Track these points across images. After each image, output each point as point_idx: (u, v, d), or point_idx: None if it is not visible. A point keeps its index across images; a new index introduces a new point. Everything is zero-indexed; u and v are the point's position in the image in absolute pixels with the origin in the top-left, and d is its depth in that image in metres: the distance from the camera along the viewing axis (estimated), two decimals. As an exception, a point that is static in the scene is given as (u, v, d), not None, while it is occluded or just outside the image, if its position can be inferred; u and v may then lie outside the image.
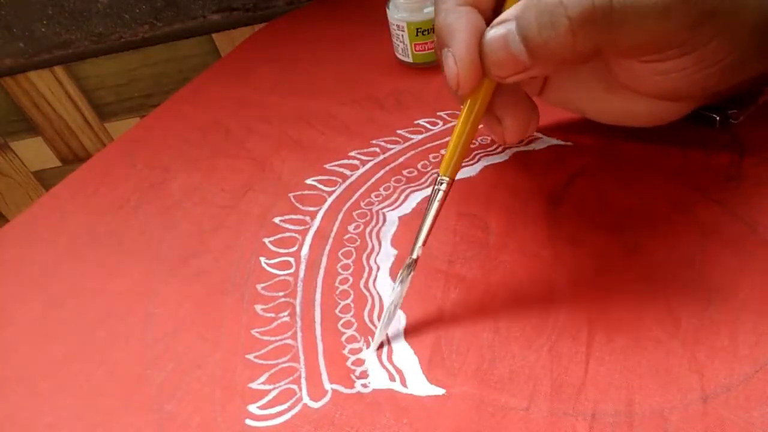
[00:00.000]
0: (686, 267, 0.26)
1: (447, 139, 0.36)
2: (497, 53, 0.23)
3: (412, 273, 0.25)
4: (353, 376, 0.25)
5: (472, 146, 0.35)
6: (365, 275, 0.29)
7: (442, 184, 0.25)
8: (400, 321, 0.26)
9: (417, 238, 0.25)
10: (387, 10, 0.41)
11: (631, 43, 0.22)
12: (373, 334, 0.26)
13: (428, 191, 0.32)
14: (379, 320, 0.26)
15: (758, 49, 0.24)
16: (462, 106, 0.26)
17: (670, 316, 0.24)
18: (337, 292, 0.28)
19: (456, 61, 0.24)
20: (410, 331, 0.26)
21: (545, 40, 0.22)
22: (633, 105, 0.28)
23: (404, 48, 0.41)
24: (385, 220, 0.31)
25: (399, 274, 0.25)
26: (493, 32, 0.23)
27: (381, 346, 0.25)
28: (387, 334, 0.26)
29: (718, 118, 0.32)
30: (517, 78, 0.24)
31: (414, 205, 0.32)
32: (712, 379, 0.22)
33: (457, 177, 0.33)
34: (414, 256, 0.25)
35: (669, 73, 0.24)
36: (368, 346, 0.26)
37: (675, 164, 0.31)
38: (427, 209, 0.26)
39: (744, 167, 0.30)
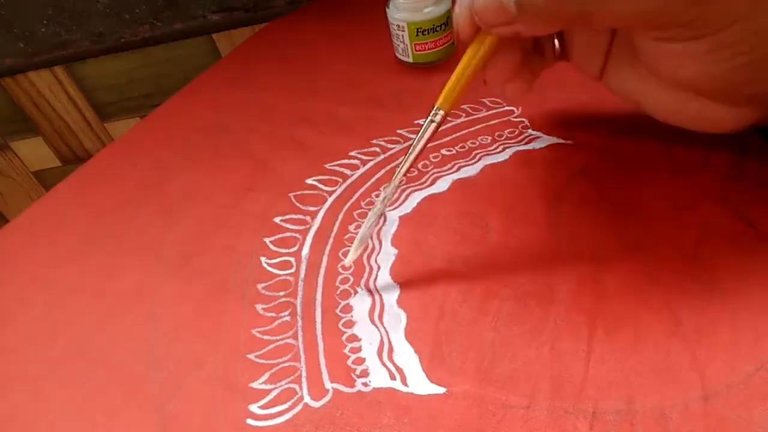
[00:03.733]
0: (687, 265, 0.26)
1: (447, 138, 0.36)
2: (486, 0, 0.23)
3: (391, 194, 0.26)
4: (354, 375, 0.25)
5: (472, 146, 0.35)
6: (366, 275, 0.29)
7: (436, 115, 0.26)
8: (401, 320, 0.26)
9: (402, 165, 0.26)
10: (387, 10, 0.41)
11: (624, 10, 0.21)
12: (373, 334, 0.26)
13: (429, 191, 0.32)
14: (380, 320, 0.26)
15: None
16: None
17: (671, 314, 0.24)
18: (338, 292, 0.28)
19: (459, 5, 0.24)
20: (411, 330, 0.26)
21: None
22: (684, 105, 0.27)
23: (404, 48, 0.41)
24: (385, 219, 0.31)
25: (382, 191, 0.26)
26: None
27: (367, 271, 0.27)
28: (386, 331, 0.26)
29: None
30: (504, 30, 0.24)
31: (415, 204, 0.32)
32: (712, 378, 0.22)
33: (458, 177, 0.33)
34: (396, 181, 0.26)
35: (684, 57, 0.23)
36: (370, 345, 0.26)
37: (676, 163, 0.31)
38: (418, 138, 0.26)
39: (745, 166, 0.30)
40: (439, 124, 0.26)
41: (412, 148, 0.26)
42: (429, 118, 0.26)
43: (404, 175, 0.27)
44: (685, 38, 0.22)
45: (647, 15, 0.22)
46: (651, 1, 0.21)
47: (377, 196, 0.33)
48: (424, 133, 0.26)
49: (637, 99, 0.29)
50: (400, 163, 0.27)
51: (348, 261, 0.27)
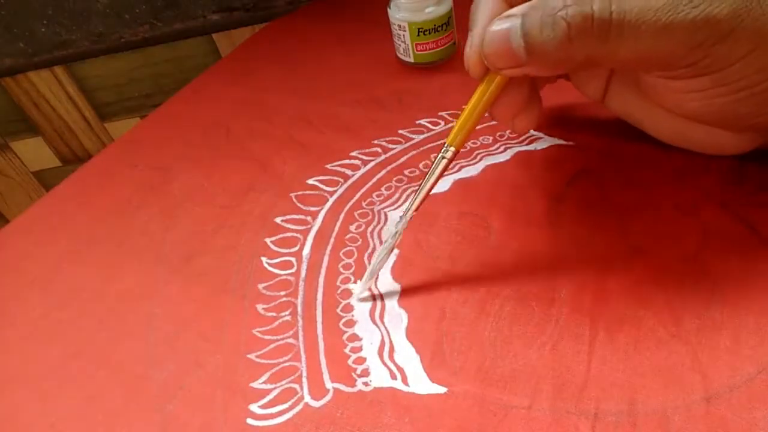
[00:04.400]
0: (688, 267, 0.26)
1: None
2: (496, 45, 0.24)
3: (402, 230, 0.27)
4: (354, 375, 0.25)
5: (473, 146, 0.35)
6: (367, 275, 0.29)
7: (447, 152, 0.27)
8: (402, 320, 0.26)
9: (413, 200, 0.27)
10: (388, 10, 0.41)
11: (629, 56, 0.22)
12: (374, 334, 0.26)
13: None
14: (381, 320, 0.26)
15: None
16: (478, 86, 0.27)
17: (673, 316, 0.24)
18: (339, 292, 0.28)
19: (470, 45, 0.25)
20: (412, 330, 0.26)
21: (544, 40, 0.22)
22: (688, 128, 0.27)
23: (406, 48, 0.41)
24: (386, 219, 0.31)
25: (395, 225, 0.27)
26: (497, 25, 0.24)
27: (373, 299, 0.27)
28: (387, 330, 0.26)
29: None
30: (513, 72, 0.24)
31: (415, 204, 0.32)
32: (714, 380, 0.22)
33: (459, 177, 0.33)
34: (407, 218, 0.27)
35: (687, 92, 0.24)
36: (371, 345, 0.26)
37: (677, 165, 0.31)
38: (429, 174, 0.27)
39: (745, 169, 0.30)
40: (450, 161, 0.27)
41: (423, 182, 0.27)
42: (440, 155, 0.27)
43: (416, 210, 0.27)
44: (689, 76, 0.23)
45: (652, 60, 0.22)
46: (655, 48, 0.22)
47: (377, 194, 0.33)
48: (435, 169, 0.27)
49: (641, 122, 0.30)
50: (412, 197, 0.27)
51: (357, 296, 0.28)
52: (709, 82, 0.23)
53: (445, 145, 0.27)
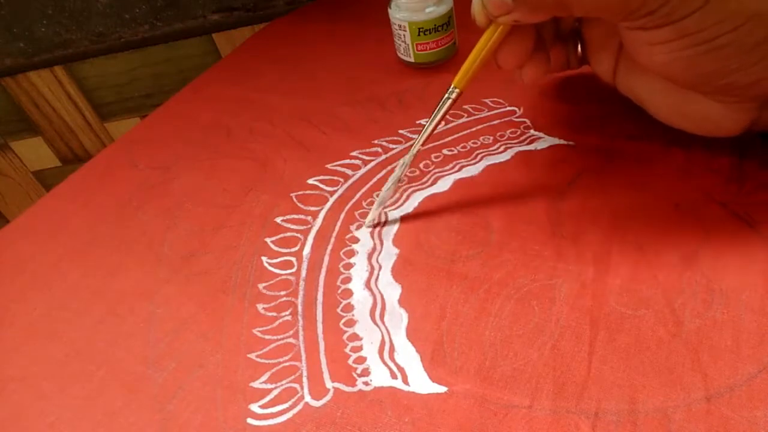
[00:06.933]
0: (689, 267, 0.26)
1: (449, 138, 0.36)
2: None
3: (409, 162, 0.30)
4: (355, 375, 0.25)
5: (474, 146, 0.35)
6: (367, 274, 0.29)
7: (452, 93, 0.30)
8: (402, 319, 0.26)
9: (418, 139, 0.30)
10: (389, 10, 0.41)
11: (593, 2, 0.24)
12: (374, 333, 0.26)
13: (431, 191, 0.32)
14: (381, 319, 0.26)
15: None
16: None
17: (673, 315, 0.24)
18: (339, 291, 0.28)
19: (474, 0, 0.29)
20: (412, 329, 0.26)
21: None
22: (682, 104, 0.28)
23: (406, 48, 0.41)
24: (386, 219, 0.31)
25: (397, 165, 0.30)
26: None
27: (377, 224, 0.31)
28: (388, 330, 0.26)
29: None
30: (507, 20, 0.27)
31: (416, 204, 0.32)
32: (715, 379, 0.22)
33: (459, 176, 0.33)
34: (414, 152, 0.30)
35: (654, 44, 0.25)
36: (371, 344, 0.25)
37: (677, 165, 0.31)
38: (434, 114, 0.30)
39: (745, 168, 0.30)
40: (454, 101, 0.30)
41: (429, 121, 0.30)
42: (446, 96, 0.30)
43: (422, 145, 0.30)
44: (652, 26, 0.24)
45: (613, 5, 0.24)
46: None
47: (377, 194, 0.33)
48: (440, 109, 0.30)
49: (642, 99, 0.31)
50: (417, 136, 0.30)
51: (368, 221, 0.31)
52: (671, 33, 0.24)
53: (451, 86, 0.29)
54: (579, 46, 0.33)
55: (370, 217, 0.31)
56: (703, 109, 0.28)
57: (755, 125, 0.28)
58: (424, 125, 0.30)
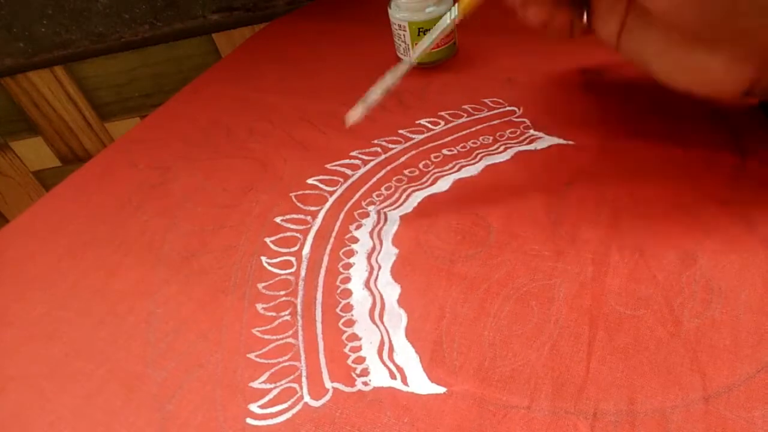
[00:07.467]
0: (687, 266, 0.26)
1: (448, 138, 0.36)
2: None
3: (404, 72, 0.31)
4: (354, 375, 0.25)
5: (473, 146, 0.35)
6: (367, 274, 0.29)
7: (455, 15, 0.31)
8: (402, 319, 0.26)
9: (418, 46, 0.31)
10: (388, 10, 0.41)
11: None
12: (373, 333, 0.26)
13: (430, 191, 0.32)
14: (380, 319, 0.26)
15: None
16: None
17: (672, 315, 0.24)
18: (338, 291, 0.28)
19: None
20: (411, 330, 0.26)
21: None
22: (685, 56, 0.28)
23: (406, 48, 0.41)
24: (386, 219, 0.31)
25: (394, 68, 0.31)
26: None
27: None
28: (387, 330, 0.26)
29: None
30: None
31: (416, 204, 0.32)
32: (713, 379, 0.22)
33: (459, 176, 0.33)
34: (411, 61, 0.31)
35: None
36: (370, 344, 0.26)
37: (677, 164, 0.31)
38: (436, 26, 0.31)
39: (745, 168, 0.30)
40: (453, 22, 0.31)
41: (429, 33, 0.31)
42: (447, 14, 0.31)
43: (421, 52, 0.31)
44: None
45: None
46: None
47: (377, 194, 0.33)
48: (443, 22, 0.31)
49: (645, 60, 0.30)
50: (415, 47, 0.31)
51: (349, 120, 0.30)
52: None
53: (454, 5, 0.31)
54: (585, 13, 0.32)
55: (351, 116, 0.30)
56: (706, 61, 0.27)
57: (755, 87, 0.28)
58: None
